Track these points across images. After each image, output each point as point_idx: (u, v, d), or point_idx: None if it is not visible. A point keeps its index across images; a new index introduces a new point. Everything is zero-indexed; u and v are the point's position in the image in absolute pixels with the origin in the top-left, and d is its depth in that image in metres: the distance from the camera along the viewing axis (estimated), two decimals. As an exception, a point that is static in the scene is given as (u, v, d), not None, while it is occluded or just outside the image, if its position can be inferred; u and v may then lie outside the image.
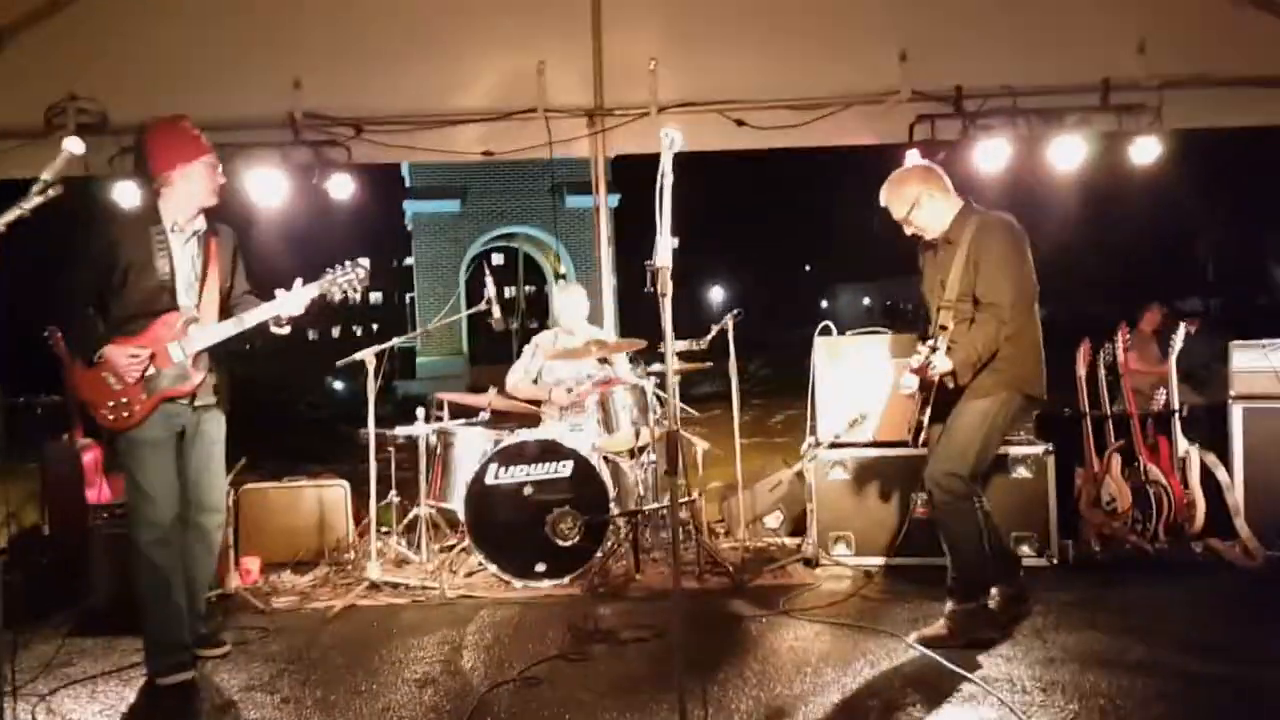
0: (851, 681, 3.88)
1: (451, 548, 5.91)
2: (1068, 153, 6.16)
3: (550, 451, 5.38)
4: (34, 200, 3.04)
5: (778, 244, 61.19)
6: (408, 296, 33.52)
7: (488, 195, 25.29)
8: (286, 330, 4.28)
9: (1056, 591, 4.85)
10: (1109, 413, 5.75)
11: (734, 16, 6.31)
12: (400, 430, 5.90)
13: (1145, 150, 6.13)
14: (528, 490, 5.35)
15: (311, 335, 51.25)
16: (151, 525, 4.08)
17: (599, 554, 5.31)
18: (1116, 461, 5.61)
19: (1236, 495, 5.45)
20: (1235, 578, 5.15)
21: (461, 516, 5.49)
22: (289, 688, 4.03)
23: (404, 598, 5.20)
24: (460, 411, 6.23)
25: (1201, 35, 6.16)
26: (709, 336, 5.79)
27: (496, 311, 5.70)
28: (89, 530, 5.12)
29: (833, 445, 5.61)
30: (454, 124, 6.57)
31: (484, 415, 6.08)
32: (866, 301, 57.80)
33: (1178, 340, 5.67)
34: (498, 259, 37.24)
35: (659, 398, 5.60)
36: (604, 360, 6.13)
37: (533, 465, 5.36)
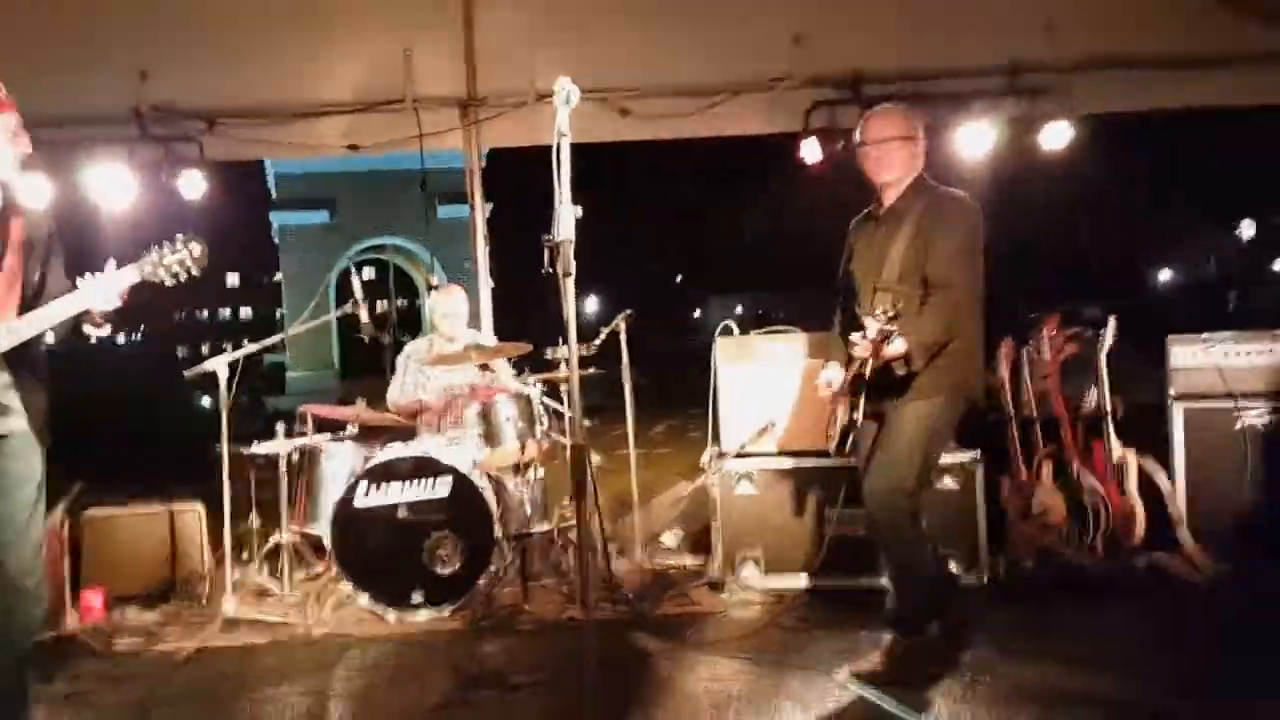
0: (783, 729, 3.50)
1: (318, 577, 5.45)
2: (975, 140, 6.03)
3: (426, 468, 4.95)
4: None
5: (652, 253, 61.57)
6: (278, 312, 32.74)
7: (357, 206, 24.64)
8: (106, 331, 3.44)
9: (994, 614, 4.49)
10: (1035, 416, 5.34)
11: (617, -2, 6.05)
12: (259, 448, 5.38)
13: (1056, 135, 6.01)
14: (402, 512, 4.92)
15: (181, 352, 49.41)
16: None
17: (482, 581, 4.92)
18: (1048, 469, 5.22)
19: (1179, 503, 5.12)
20: (1184, 594, 4.79)
21: (328, 542, 5.02)
22: (127, 748, 3.52)
23: (264, 636, 4.71)
24: (327, 426, 5.73)
25: (1111, 15, 6.02)
26: (599, 340, 5.42)
27: (364, 315, 5.26)
28: None
29: (739, 455, 5.19)
30: (316, 116, 6.27)
31: (352, 429, 5.61)
32: (739, 310, 58.53)
33: (1107, 337, 5.24)
34: (368, 273, 36.52)
35: (546, 406, 5.25)
36: (485, 367, 5.74)
37: (407, 484, 4.94)
